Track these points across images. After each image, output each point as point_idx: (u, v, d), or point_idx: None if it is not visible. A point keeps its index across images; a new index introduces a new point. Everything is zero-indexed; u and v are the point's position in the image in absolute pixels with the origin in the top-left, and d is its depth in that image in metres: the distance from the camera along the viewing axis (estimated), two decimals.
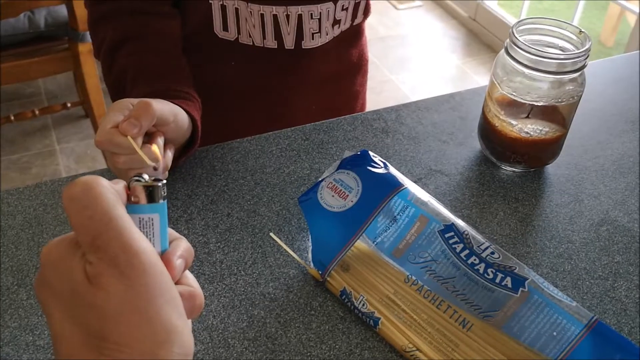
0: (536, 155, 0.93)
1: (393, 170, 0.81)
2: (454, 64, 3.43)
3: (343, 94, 1.20)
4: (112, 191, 0.42)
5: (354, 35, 1.14)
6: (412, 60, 3.45)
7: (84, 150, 2.71)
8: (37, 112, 2.47)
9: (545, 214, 0.90)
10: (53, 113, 2.69)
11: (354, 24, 1.10)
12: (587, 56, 0.85)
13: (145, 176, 0.45)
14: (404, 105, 1.08)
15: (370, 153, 0.83)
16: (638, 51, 1.28)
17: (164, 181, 0.45)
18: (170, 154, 0.83)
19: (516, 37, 0.86)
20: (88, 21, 1.00)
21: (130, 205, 0.44)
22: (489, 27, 3.56)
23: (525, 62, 0.85)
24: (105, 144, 0.76)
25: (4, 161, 2.64)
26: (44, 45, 2.27)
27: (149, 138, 0.79)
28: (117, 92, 0.95)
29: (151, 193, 0.45)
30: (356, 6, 1.06)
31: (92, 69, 2.28)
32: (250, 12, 0.98)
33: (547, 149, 0.93)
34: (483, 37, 3.61)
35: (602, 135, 1.04)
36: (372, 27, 3.65)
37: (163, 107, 0.79)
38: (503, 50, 0.89)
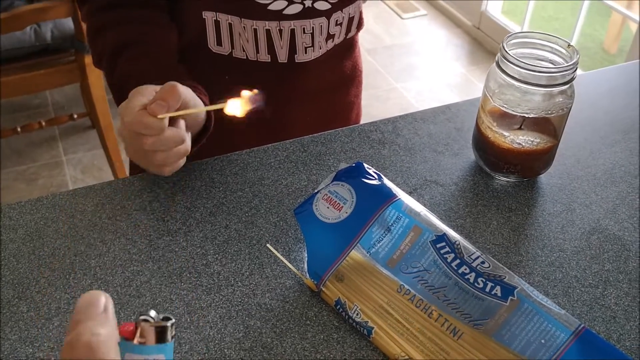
0: (529, 166, 0.95)
1: (387, 182, 0.83)
2: (459, 72, 3.45)
3: (338, 105, 1.22)
4: (110, 343, 0.41)
5: (348, 47, 1.15)
6: (418, 69, 3.47)
7: (90, 161, 2.74)
8: (43, 124, 2.49)
9: (538, 223, 0.91)
10: (60, 124, 2.71)
11: (348, 37, 1.12)
12: (576, 69, 0.87)
13: (153, 313, 0.43)
14: (400, 117, 1.10)
15: (365, 165, 0.84)
16: (633, 62, 1.29)
17: (173, 320, 0.44)
18: (188, 140, 0.86)
19: (506, 52, 0.87)
20: (87, 32, 1.02)
21: (136, 345, 0.43)
22: (493, 35, 3.57)
23: (516, 76, 0.87)
24: (135, 124, 0.78)
25: (12, 172, 2.66)
26: (51, 57, 2.29)
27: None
28: (120, 96, 0.96)
29: (160, 333, 0.43)
30: (350, 20, 1.08)
31: (98, 81, 2.30)
32: (244, 27, 1.00)
33: (540, 159, 0.94)
34: (487, 45, 3.62)
35: (594, 145, 1.05)
36: (378, 36, 3.66)
37: (186, 91, 0.81)
38: (494, 64, 0.90)
